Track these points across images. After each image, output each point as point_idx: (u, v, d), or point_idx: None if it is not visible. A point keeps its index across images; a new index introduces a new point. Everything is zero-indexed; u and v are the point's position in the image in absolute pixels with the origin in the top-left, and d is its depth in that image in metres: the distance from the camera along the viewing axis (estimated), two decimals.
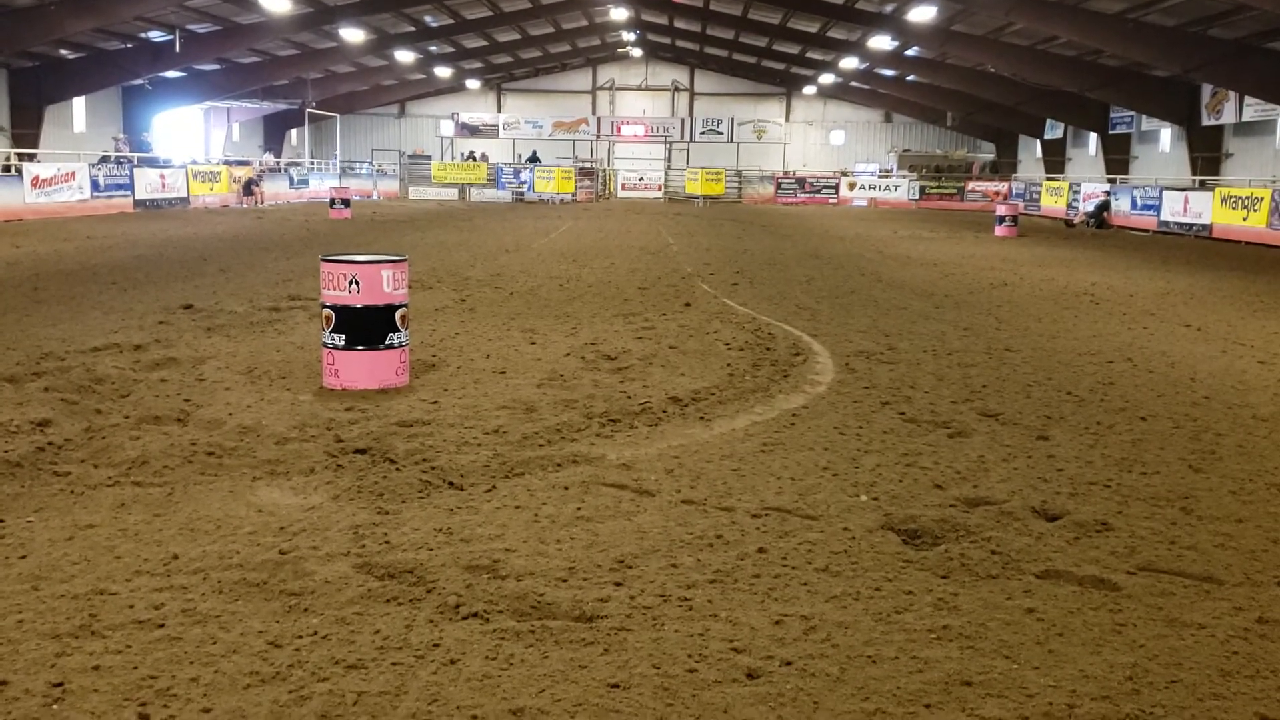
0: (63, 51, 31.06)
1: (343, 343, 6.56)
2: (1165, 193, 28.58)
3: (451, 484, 4.75)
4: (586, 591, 3.57)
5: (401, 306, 6.68)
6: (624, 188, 47.24)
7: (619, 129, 50.81)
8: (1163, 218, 28.17)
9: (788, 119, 52.82)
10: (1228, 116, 29.43)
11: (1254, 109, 27.99)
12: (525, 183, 43.05)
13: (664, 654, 3.14)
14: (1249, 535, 4.33)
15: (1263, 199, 23.97)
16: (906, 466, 5.23)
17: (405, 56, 40.71)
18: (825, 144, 53.61)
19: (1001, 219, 25.51)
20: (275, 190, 35.79)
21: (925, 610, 3.50)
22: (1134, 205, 29.97)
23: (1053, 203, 36.62)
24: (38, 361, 7.21)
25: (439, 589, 3.55)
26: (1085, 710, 2.88)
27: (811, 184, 45.01)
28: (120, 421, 5.70)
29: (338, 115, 45.16)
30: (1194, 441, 5.88)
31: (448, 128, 51.15)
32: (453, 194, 42.86)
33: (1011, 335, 9.65)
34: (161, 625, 3.25)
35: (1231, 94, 28.51)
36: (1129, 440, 5.87)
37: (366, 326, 6.54)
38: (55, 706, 2.79)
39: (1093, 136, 39.32)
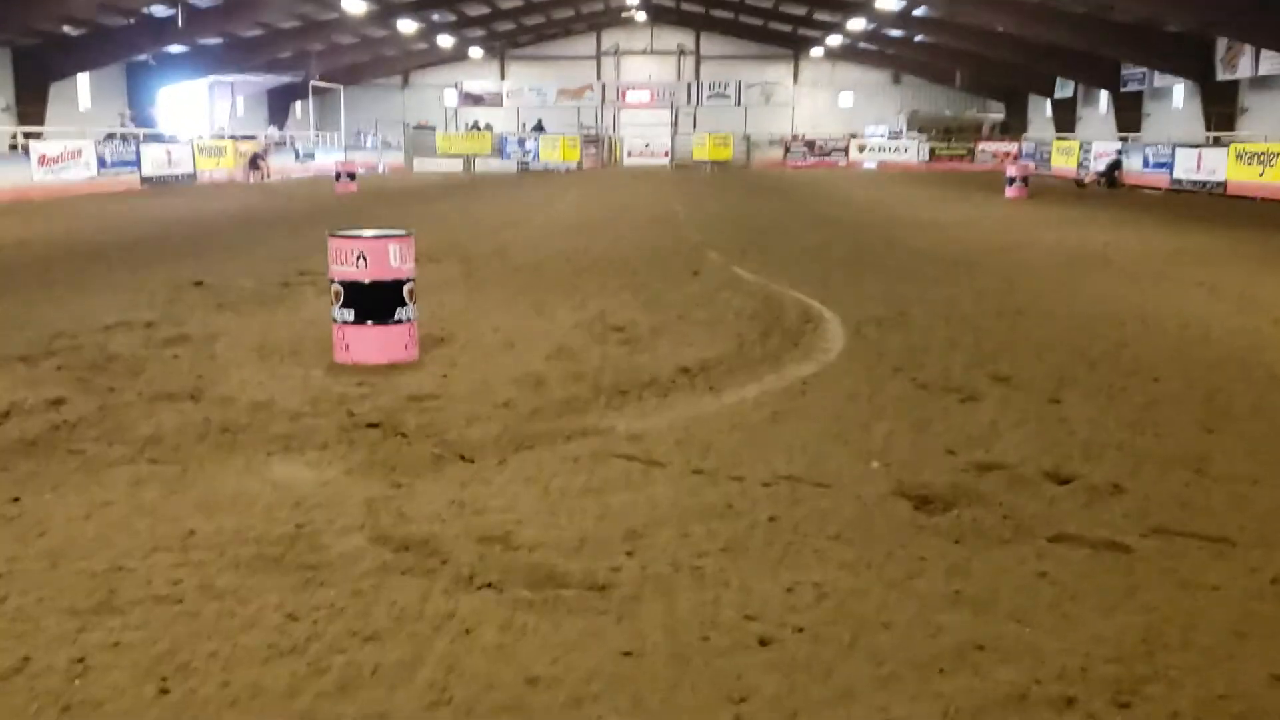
0: (66, 29, 30.97)
1: (352, 318, 6.57)
2: (1178, 150, 28.35)
3: (463, 457, 4.77)
4: (598, 561, 3.60)
5: (409, 281, 6.69)
6: (630, 155, 46.98)
7: (624, 95, 50.54)
8: (1176, 175, 27.95)
9: (796, 81, 52.48)
10: (1244, 70, 29.12)
11: (1271, 62, 27.65)
12: (530, 152, 42.89)
13: (676, 622, 3.17)
14: (1263, 496, 4.33)
15: (1279, 154, 23.76)
16: (918, 432, 5.23)
17: (407, 26, 40.47)
18: (834, 106, 53.23)
19: (1012, 180, 25.29)
20: (281, 164, 35.75)
21: (937, 576, 3.52)
22: (1146, 164, 29.73)
23: (1064, 162, 36.34)
24: (50, 340, 7.25)
25: (453, 560, 3.58)
26: (1098, 673, 2.90)
27: (820, 147, 44.73)
28: (134, 399, 5.73)
29: (341, 87, 44.99)
30: (1207, 402, 5.87)
31: (452, 97, 50.93)
32: (458, 165, 42.71)
33: (1023, 298, 9.62)
34: (180, 601, 3.29)
35: (1248, 47, 28.19)
36: (1142, 402, 5.86)
37: (375, 302, 6.54)
38: (77, 682, 2.83)
39: (1104, 94, 39.00)
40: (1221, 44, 29.50)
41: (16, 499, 4.20)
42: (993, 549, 3.76)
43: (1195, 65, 30.80)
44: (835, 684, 2.85)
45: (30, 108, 29.84)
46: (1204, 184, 26.48)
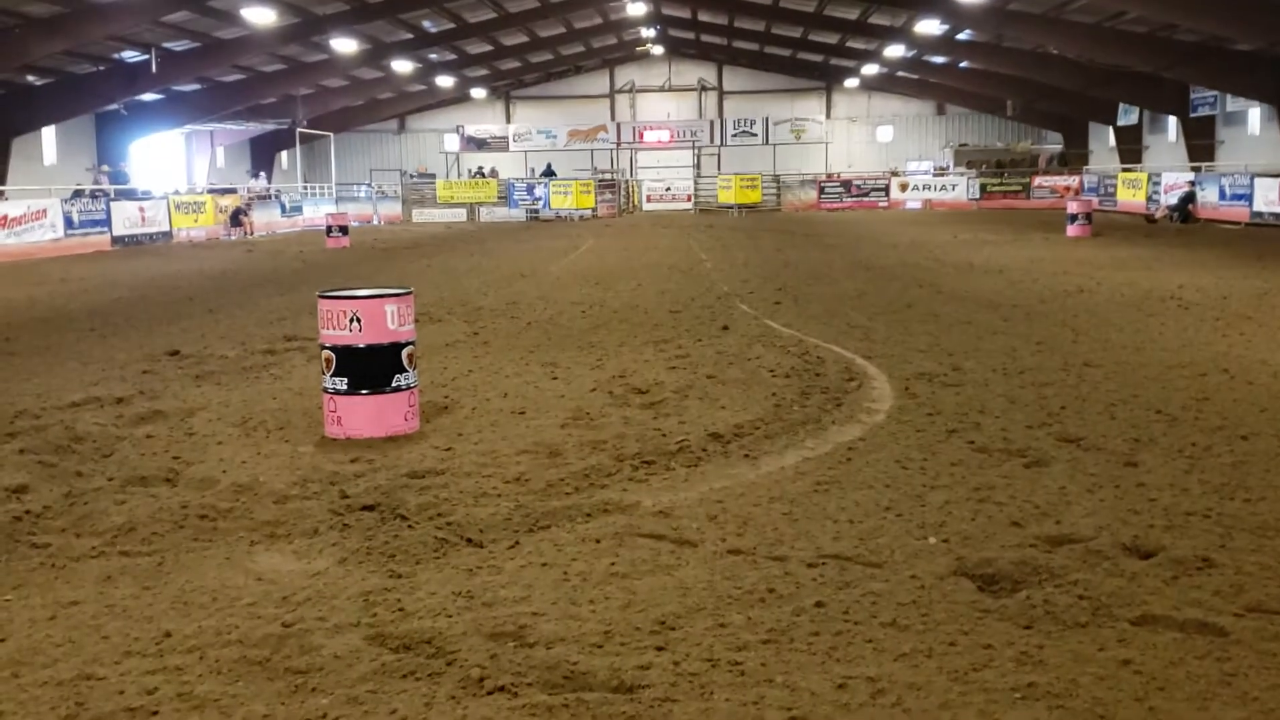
0: (30, 77, 31.63)
1: (345, 387, 6.60)
2: (1257, 180, 28.36)
3: (470, 541, 4.76)
4: (625, 658, 3.56)
5: (408, 344, 6.72)
6: (649, 199, 47.42)
7: (641, 135, 50.98)
8: (1256, 208, 27.94)
9: (829, 116, 52.92)
10: None
11: None
12: (540, 199, 43.32)
13: None
14: None
15: None
16: (979, 503, 5.19)
17: (403, 66, 41.16)
18: (872, 141, 53.66)
19: (1074, 217, 25.41)
20: (266, 219, 36.20)
21: (1007, 666, 3.47)
22: (1222, 195, 29.75)
23: (1130, 196, 36.41)
24: (11, 420, 7.30)
25: (460, 660, 3.55)
26: None
27: (858, 186, 45.03)
28: (104, 484, 5.75)
29: (331, 134, 45.67)
30: None
31: (452, 142, 51.56)
32: (461, 215, 43.19)
33: (1091, 348, 9.58)
34: (155, 712, 3.26)
35: None
36: (1229, 463, 5.81)
37: (370, 368, 6.58)
38: None
39: (1172, 120, 39.11)
40: None
41: None
42: (1068, 634, 3.70)
43: (1270, 86, 30.86)
44: None
45: None
46: None
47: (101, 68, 32.39)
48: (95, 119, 36.03)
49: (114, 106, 34.71)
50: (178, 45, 32.09)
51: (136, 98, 34.68)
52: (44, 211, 25.94)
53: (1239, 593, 4.01)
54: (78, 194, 29.19)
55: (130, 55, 31.77)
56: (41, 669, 3.58)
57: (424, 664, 3.54)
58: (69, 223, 26.73)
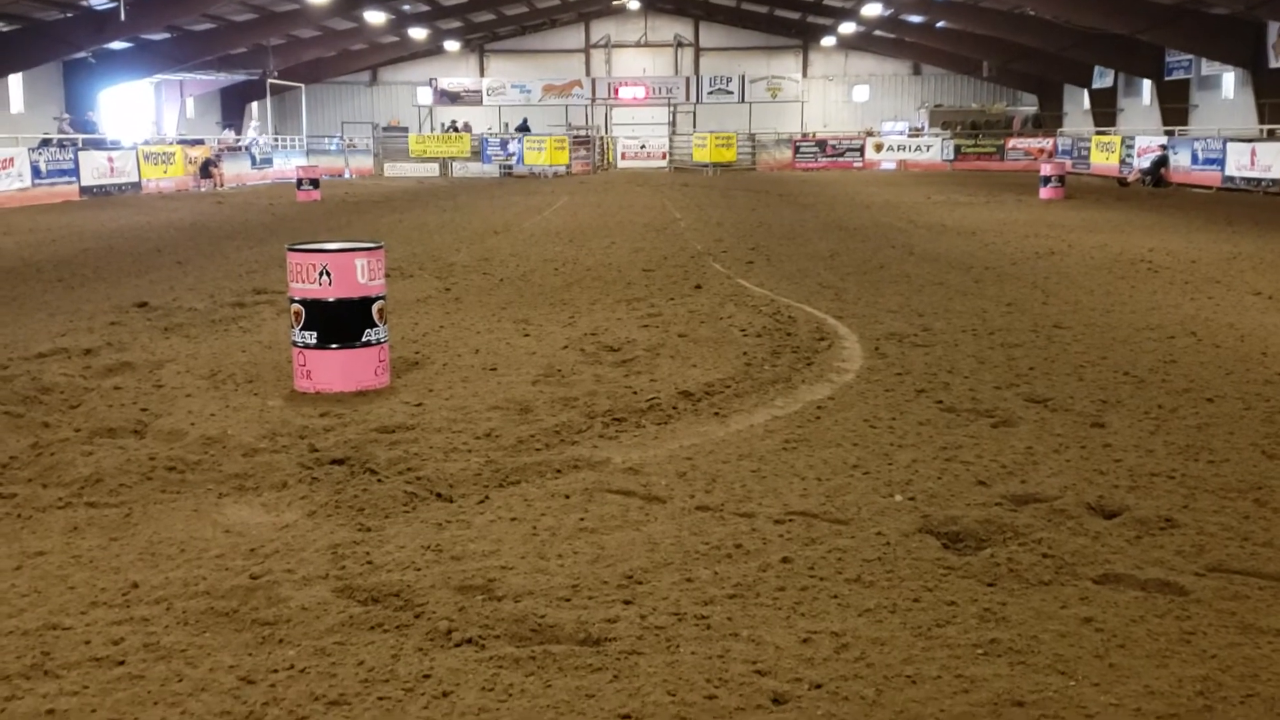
0: None
1: (314, 341, 6.57)
2: (1230, 144, 28.49)
3: (440, 495, 4.76)
4: (592, 612, 3.58)
5: (379, 299, 6.69)
6: (624, 157, 47.19)
7: (616, 91, 50.70)
8: (1228, 172, 28.09)
9: (805, 75, 52.72)
10: None
11: None
12: (514, 155, 43.06)
13: (680, 679, 3.15)
14: None
15: None
16: (946, 461, 5.23)
17: (376, 17, 40.63)
18: (848, 101, 53.52)
19: (1047, 179, 25.49)
20: (236, 171, 35.86)
21: (970, 623, 3.50)
22: (1195, 160, 29.87)
23: (1104, 159, 36.51)
24: None
25: (428, 613, 3.56)
26: None
27: (833, 146, 44.95)
28: (70, 435, 5.71)
29: (302, 85, 45.15)
30: (1267, 424, 5.87)
31: (425, 96, 51.13)
32: (433, 169, 42.91)
33: (1060, 310, 9.64)
34: (121, 662, 3.26)
35: None
36: (1194, 425, 5.86)
37: (340, 322, 6.54)
38: None
39: (1146, 84, 39.18)
40: (1273, 29, 29.65)
41: None
42: (1031, 592, 3.74)
43: (1245, 51, 30.96)
44: None
45: None
46: (1259, 182, 26.60)
47: (69, 14, 31.82)
48: (63, 67, 35.47)
49: (82, 54, 34.16)
50: None
51: (105, 46, 34.12)
52: (10, 160, 25.57)
53: (1200, 553, 4.06)
54: (45, 143, 28.78)
55: (98, 2, 31.22)
56: (7, 618, 3.56)
57: (392, 616, 3.55)
58: (36, 172, 26.37)
